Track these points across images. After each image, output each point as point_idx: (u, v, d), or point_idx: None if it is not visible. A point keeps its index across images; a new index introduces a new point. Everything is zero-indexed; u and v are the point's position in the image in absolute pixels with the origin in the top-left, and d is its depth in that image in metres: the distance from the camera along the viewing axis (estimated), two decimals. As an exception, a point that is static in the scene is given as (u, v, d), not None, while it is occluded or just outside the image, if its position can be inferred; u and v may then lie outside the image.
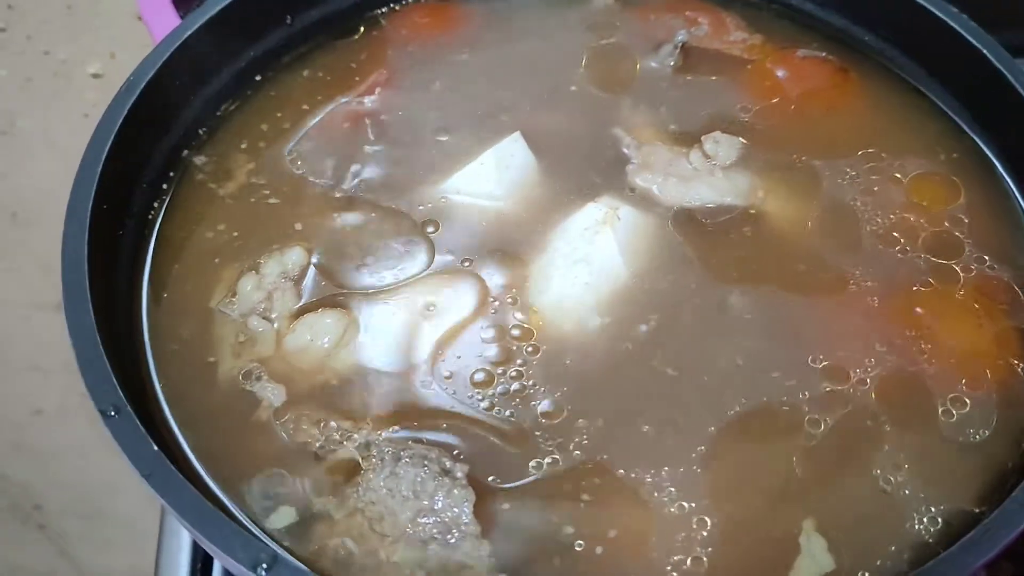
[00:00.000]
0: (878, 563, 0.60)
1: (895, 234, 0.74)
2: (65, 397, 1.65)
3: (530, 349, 0.68)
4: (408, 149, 0.80)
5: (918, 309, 0.70)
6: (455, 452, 0.63)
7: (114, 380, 0.58)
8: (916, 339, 0.68)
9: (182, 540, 0.83)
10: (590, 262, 0.71)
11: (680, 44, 0.86)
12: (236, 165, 0.79)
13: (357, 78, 0.85)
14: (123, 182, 0.73)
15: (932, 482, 0.62)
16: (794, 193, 0.77)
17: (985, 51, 0.76)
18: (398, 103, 0.83)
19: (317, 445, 0.64)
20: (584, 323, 0.69)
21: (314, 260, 0.72)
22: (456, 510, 0.59)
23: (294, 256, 0.72)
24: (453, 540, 0.59)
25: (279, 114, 0.82)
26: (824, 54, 0.85)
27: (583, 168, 0.78)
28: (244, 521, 0.60)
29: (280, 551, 0.58)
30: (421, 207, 0.76)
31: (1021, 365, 0.68)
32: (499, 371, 0.67)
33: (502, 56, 0.88)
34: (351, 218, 0.75)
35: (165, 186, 0.77)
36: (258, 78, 0.85)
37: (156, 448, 0.56)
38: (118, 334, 0.67)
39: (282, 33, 0.86)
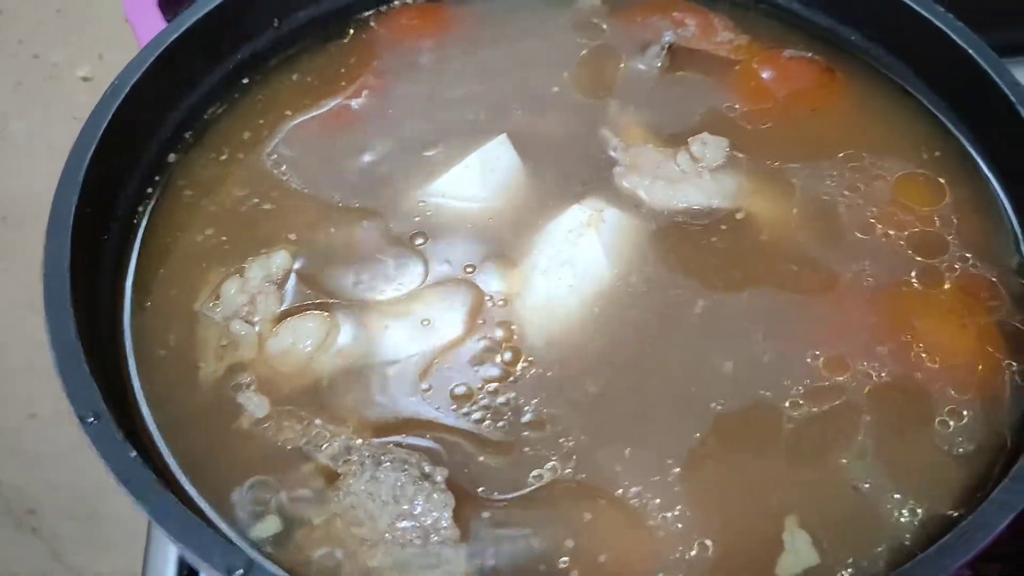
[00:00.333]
0: (860, 563, 0.59)
1: (882, 234, 0.74)
2: (60, 400, 1.64)
3: (514, 355, 0.67)
4: (394, 152, 0.79)
5: (905, 309, 0.70)
6: (435, 457, 0.62)
7: (94, 385, 0.58)
8: (904, 339, 0.68)
9: (169, 546, 0.83)
10: (574, 264, 0.71)
11: (667, 45, 0.86)
12: (221, 169, 0.79)
13: (344, 82, 0.85)
14: (108, 186, 0.72)
15: (912, 484, 0.62)
16: (781, 194, 0.77)
17: (971, 51, 0.76)
18: (385, 105, 0.83)
19: (298, 449, 0.63)
20: (569, 326, 0.69)
21: (297, 265, 0.72)
22: (435, 515, 0.59)
23: (278, 260, 0.72)
24: (432, 545, 0.58)
25: (265, 119, 0.82)
26: (810, 54, 0.85)
27: (570, 170, 0.78)
28: (222, 526, 0.60)
29: (258, 557, 0.58)
30: (406, 210, 0.75)
31: (1005, 363, 0.67)
32: (481, 377, 0.66)
33: (489, 58, 0.88)
34: (335, 222, 0.75)
35: (150, 190, 0.77)
36: (245, 81, 0.85)
37: (134, 454, 0.56)
38: (100, 338, 0.66)
39: (270, 36, 0.86)
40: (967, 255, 0.73)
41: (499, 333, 0.68)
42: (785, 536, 0.60)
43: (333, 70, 0.86)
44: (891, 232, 0.74)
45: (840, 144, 0.79)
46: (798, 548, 0.60)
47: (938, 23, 0.78)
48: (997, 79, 0.74)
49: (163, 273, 0.73)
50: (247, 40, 0.85)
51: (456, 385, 0.66)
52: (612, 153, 0.79)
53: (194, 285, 0.72)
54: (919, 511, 0.61)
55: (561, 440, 0.64)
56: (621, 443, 0.64)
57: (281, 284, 0.71)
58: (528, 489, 0.62)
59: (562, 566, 0.59)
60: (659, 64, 0.85)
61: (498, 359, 0.67)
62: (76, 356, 0.59)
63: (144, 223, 0.76)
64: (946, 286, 0.71)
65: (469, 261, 0.72)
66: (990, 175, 0.78)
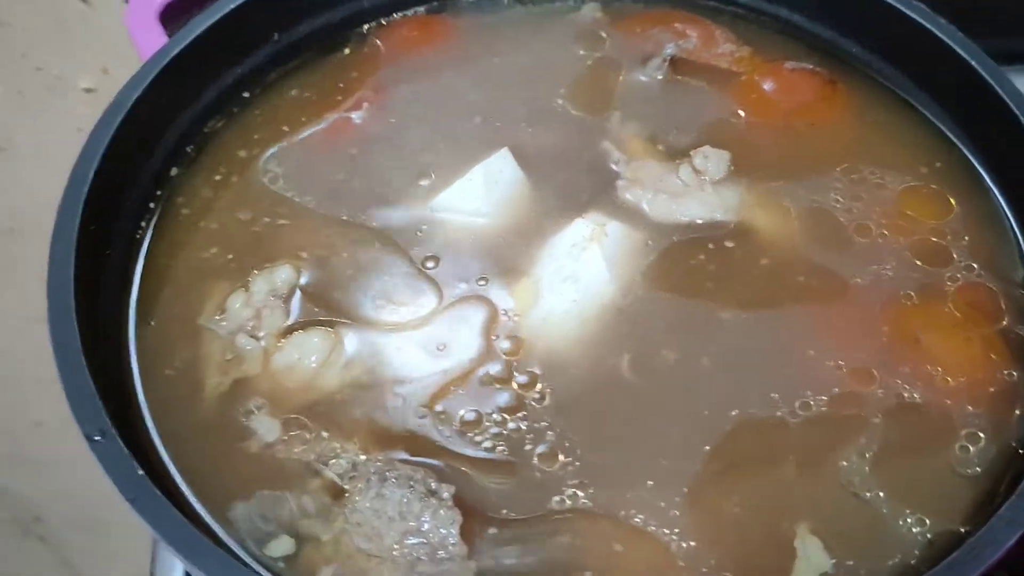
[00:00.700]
0: (871, 569, 0.60)
1: (886, 245, 0.74)
2: (64, 409, 1.65)
3: (520, 371, 0.67)
4: (395, 166, 0.79)
5: (910, 321, 0.70)
6: (442, 474, 0.62)
7: (100, 404, 0.59)
8: (911, 352, 0.68)
9: (175, 559, 0.83)
10: (577, 279, 0.71)
11: (669, 57, 0.86)
12: (222, 184, 0.79)
13: (344, 96, 0.85)
14: (110, 201, 0.73)
15: (920, 499, 0.62)
16: (784, 207, 0.77)
17: (972, 61, 0.76)
18: (385, 118, 0.83)
19: (304, 464, 0.64)
20: (573, 343, 0.69)
21: (302, 281, 0.72)
22: (443, 531, 0.59)
23: (283, 274, 0.72)
24: (440, 561, 0.59)
25: (264, 133, 0.82)
26: (812, 66, 0.85)
27: (572, 184, 0.78)
28: (231, 544, 0.60)
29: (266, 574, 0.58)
30: (408, 224, 0.75)
31: (1011, 374, 0.67)
32: (485, 396, 0.66)
33: (490, 70, 0.88)
34: (337, 237, 0.75)
35: (152, 205, 0.77)
36: (246, 95, 0.85)
37: (141, 472, 0.56)
38: (105, 355, 0.67)
39: (269, 50, 0.86)
40: (973, 265, 0.73)
41: (504, 347, 0.68)
42: (797, 543, 0.60)
43: (333, 84, 0.86)
44: (895, 244, 0.74)
45: (842, 156, 0.79)
46: (810, 554, 0.60)
47: (940, 34, 0.78)
48: (999, 89, 0.74)
49: (167, 288, 0.73)
50: (247, 54, 0.85)
51: (462, 404, 0.66)
52: (614, 166, 0.79)
53: (198, 300, 0.72)
54: (925, 529, 0.61)
55: (570, 458, 0.64)
56: (630, 462, 0.64)
57: (286, 299, 0.71)
58: (538, 508, 0.62)
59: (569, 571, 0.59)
60: (660, 76, 0.85)
61: (503, 376, 0.67)
62: (82, 374, 0.60)
63: (148, 238, 0.76)
64: (951, 299, 0.71)
65: (474, 277, 0.72)
66: (992, 185, 0.78)
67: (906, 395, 0.66)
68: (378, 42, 0.90)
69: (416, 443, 0.64)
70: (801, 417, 0.65)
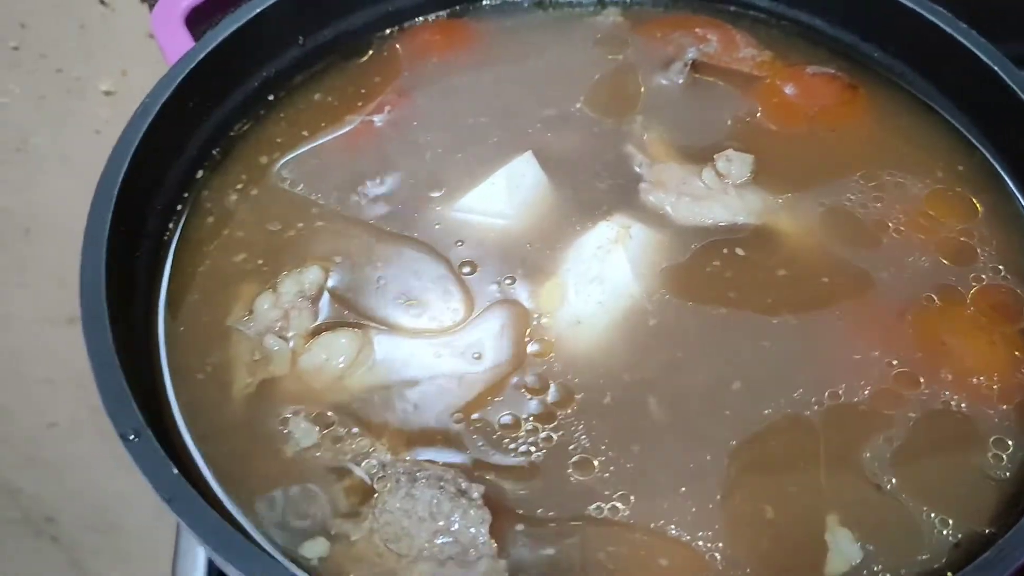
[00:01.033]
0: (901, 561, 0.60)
1: (909, 248, 0.75)
2: (78, 410, 1.65)
3: (550, 376, 0.68)
4: (419, 169, 0.80)
5: (935, 323, 0.70)
6: (471, 473, 0.63)
7: (133, 404, 0.59)
8: (936, 355, 0.69)
9: (198, 559, 0.83)
10: (603, 281, 0.72)
11: (690, 61, 0.86)
12: (248, 186, 0.80)
13: (367, 101, 0.85)
14: (139, 204, 0.73)
15: (946, 500, 0.62)
16: (806, 210, 0.77)
17: (994, 66, 0.77)
18: (408, 122, 0.84)
19: (335, 465, 0.64)
20: (601, 347, 0.69)
21: (330, 283, 0.73)
22: (472, 531, 0.60)
23: (311, 275, 0.73)
24: (470, 560, 0.59)
25: (288, 137, 0.83)
26: (833, 71, 0.86)
27: (595, 187, 0.79)
28: (261, 542, 0.61)
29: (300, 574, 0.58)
30: (432, 228, 0.76)
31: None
32: (517, 400, 0.67)
33: (513, 74, 0.88)
34: (362, 239, 0.76)
35: (180, 207, 0.78)
36: (271, 98, 0.86)
37: (176, 472, 0.57)
38: (136, 355, 0.67)
39: (294, 53, 0.87)
40: (1000, 267, 0.73)
41: (534, 349, 0.69)
42: (827, 536, 0.61)
43: (356, 88, 0.87)
44: (918, 246, 0.75)
45: (864, 160, 0.80)
46: (841, 546, 0.60)
47: (960, 38, 0.79)
48: (1019, 92, 0.75)
49: (195, 289, 0.74)
50: (272, 58, 0.86)
51: (496, 410, 0.66)
52: (637, 169, 0.79)
53: (226, 301, 0.73)
54: (952, 530, 0.61)
55: (604, 465, 0.64)
56: (664, 469, 0.64)
57: (314, 300, 0.72)
58: (571, 514, 0.62)
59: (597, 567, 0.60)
60: (682, 80, 0.86)
61: (535, 385, 0.67)
62: (116, 375, 0.60)
63: (175, 240, 0.76)
64: (974, 302, 0.71)
65: (500, 278, 0.73)
66: (1015, 189, 0.78)
67: (933, 397, 0.67)
68: (402, 46, 0.91)
69: (447, 446, 0.65)
70: (828, 416, 0.66)
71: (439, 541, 0.59)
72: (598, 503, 0.62)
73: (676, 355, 0.69)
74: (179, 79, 0.76)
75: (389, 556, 0.60)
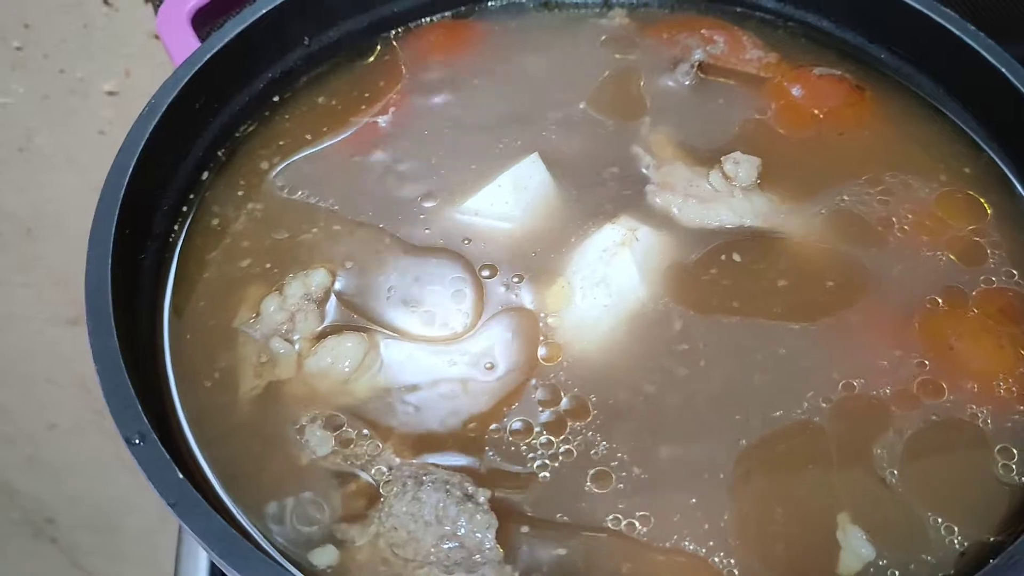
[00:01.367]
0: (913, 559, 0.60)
1: (916, 250, 0.74)
2: (79, 412, 1.65)
3: (559, 384, 0.67)
4: (424, 171, 0.80)
5: (943, 326, 0.70)
6: (478, 477, 0.63)
7: (139, 407, 0.59)
8: (945, 356, 0.68)
9: (200, 563, 0.83)
10: (609, 283, 0.71)
11: (697, 62, 0.86)
12: (253, 188, 0.79)
13: (372, 102, 0.85)
14: (144, 206, 0.73)
15: (952, 505, 0.62)
16: (813, 212, 0.77)
17: (1002, 68, 0.76)
18: (413, 123, 0.84)
19: (340, 469, 0.64)
20: (609, 351, 0.69)
21: (336, 286, 0.72)
22: (479, 535, 0.59)
23: (317, 278, 0.72)
24: (476, 565, 0.59)
25: (293, 139, 0.83)
26: (840, 72, 0.85)
27: (601, 188, 0.78)
28: (266, 547, 0.60)
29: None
30: (437, 229, 0.76)
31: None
32: (527, 407, 0.66)
33: (518, 76, 0.88)
34: (367, 242, 0.75)
35: (185, 208, 0.78)
36: (276, 99, 0.86)
37: (181, 476, 0.56)
38: (141, 357, 0.67)
39: (300, 54, 0.87)
40: (1013, 272, 0.73)
41: (541, 353, 0.68)
42: (839, 534, 0.61)
43: (360, 90, 0.87)
44: (925, 249, 0.74)
45: (871, 162, 0.80)
46: (853, 544, 0.60)
47: (968, 40, 0.78)
48: (1028, 95, 0.75)
49: (200, 291, 0.73)
50: (278, 59, 0.86)
51: (505, 416, 0.66)
52: (644, 171, 0.79)
53: (232, 303, 0.72)
54: (958, 537, 0.61)
55: (615, 474, 0.64)
56: (676, 480, 0.64)
57: (320, 303, 0.71)
58: (578, 515, 0.62)
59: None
60: (688, 81, 0.86)
61: (546, 396, 0.67)
62: (121, 378, 0.60)
63: (180, 242, 0.76)
64: (981, 305, 0.71)
65: (507, 280, 0.72)
66: (1022, 190, 0.78)
67: (941, 400, 0.67)
68: (407, 47, 0.90)
69: (454, 451, 0.65)
70: (838, 418, 0.66)
71: (445, 546, 0.59)
72: (611, 513, 0.62)
73: (683, 360, 0.68)
74: (186, 79, 0.76)
75: (395, 562, 0.59)
